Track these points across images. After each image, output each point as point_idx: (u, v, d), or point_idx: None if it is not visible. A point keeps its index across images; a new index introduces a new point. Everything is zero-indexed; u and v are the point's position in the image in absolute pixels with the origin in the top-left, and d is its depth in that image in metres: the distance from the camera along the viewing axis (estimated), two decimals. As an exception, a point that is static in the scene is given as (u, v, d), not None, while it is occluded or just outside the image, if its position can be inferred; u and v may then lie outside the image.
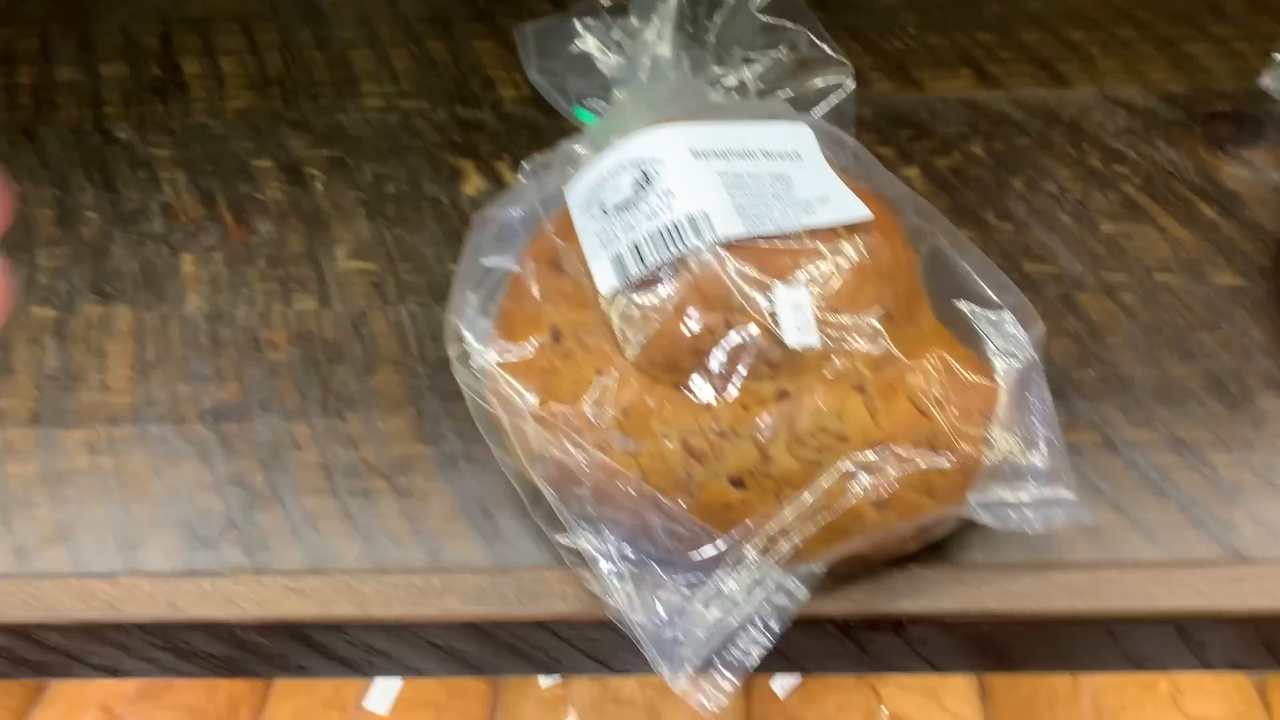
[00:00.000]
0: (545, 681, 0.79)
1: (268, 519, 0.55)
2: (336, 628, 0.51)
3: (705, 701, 0.45)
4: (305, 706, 0.80)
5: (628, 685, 0.79)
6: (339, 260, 0.66)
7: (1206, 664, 0.51)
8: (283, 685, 0.84)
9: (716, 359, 0.46)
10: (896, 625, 0.49)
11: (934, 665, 0.52)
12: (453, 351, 0.52)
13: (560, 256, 0.51)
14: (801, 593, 0.46)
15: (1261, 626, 0.48)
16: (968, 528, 0.52)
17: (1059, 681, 0.77)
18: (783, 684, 0.81)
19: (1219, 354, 0.58)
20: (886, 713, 0.78)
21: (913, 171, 0.68)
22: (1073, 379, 0.57)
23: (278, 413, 0.59)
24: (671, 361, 0.46)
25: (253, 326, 0.64)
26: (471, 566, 0.52)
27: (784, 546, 0.45)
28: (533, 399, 0.48)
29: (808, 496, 0.45)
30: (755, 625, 0.46)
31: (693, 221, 0.47)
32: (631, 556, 0.47)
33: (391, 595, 0.51)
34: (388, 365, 0.61)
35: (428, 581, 0.51)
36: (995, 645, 0.50)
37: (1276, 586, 0.48)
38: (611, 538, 0.47)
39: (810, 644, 0.51)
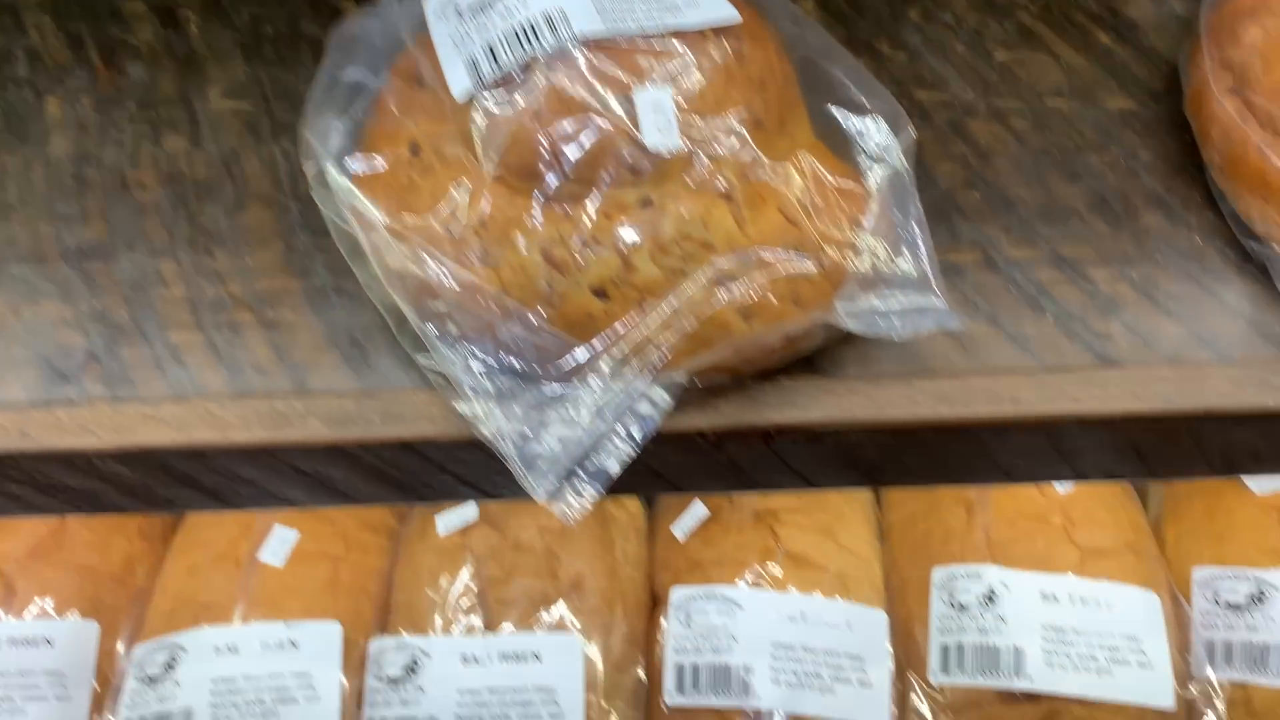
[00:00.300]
0: (443, 530, 0.79)
1: (130, 353, 0.53)
2: (198, 454, 0.50)
3: (569, 511, 0.44)
4: (200, 561, 0.80)
5: (527, 532, 0.79)
6: (212, 101, 0.64)
7: (1080, 474, 0.51)
8: (179, 542, 0.83)
9: (575, 165, 0.44)
10: (766, 436, 0.48)
11: (807, 479, 0.52)
12: (309, 170, 0.50)
13: (420, 70, 0.49)
14: (665, 402, 0.45)
15: (1130, 430, 0.48)
16: (841, 344, 0.51)
17: (953, 518, 0.78)
18: (683, 528, 0.81)
19: (1106, 174, 0.57)
20: (783, 552, 0.78)
21: (808, 4, 0.66)
22: (958, 202, 0.56)
23: (144, 250, 0.57)
24: (529, 169, 0.45)
25: (120, 167, 0.61)
26: (337, 391, 0.50)
27: (648, 356, 0.44)
28: (387, 214, 0.46)
29: (671, 305, 0.44)
30: (619, 435, 0.45)
31: (549, 19, 0.45)
32: (495, 372, 0.46)
33: (253, 420, 0.49)
34: (259, 202, 0.59)
35: (290, 405, 0.50)
36: (866, 458, 0.50)
37: (1145, 389, 0.48)
38: (474, 354, 0.46)
39: (683, 460, 0.50)
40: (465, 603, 0.77)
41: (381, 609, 0.80)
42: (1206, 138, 0.54)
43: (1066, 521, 0.77)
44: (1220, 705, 0.74)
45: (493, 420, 0.45)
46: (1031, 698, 0.72)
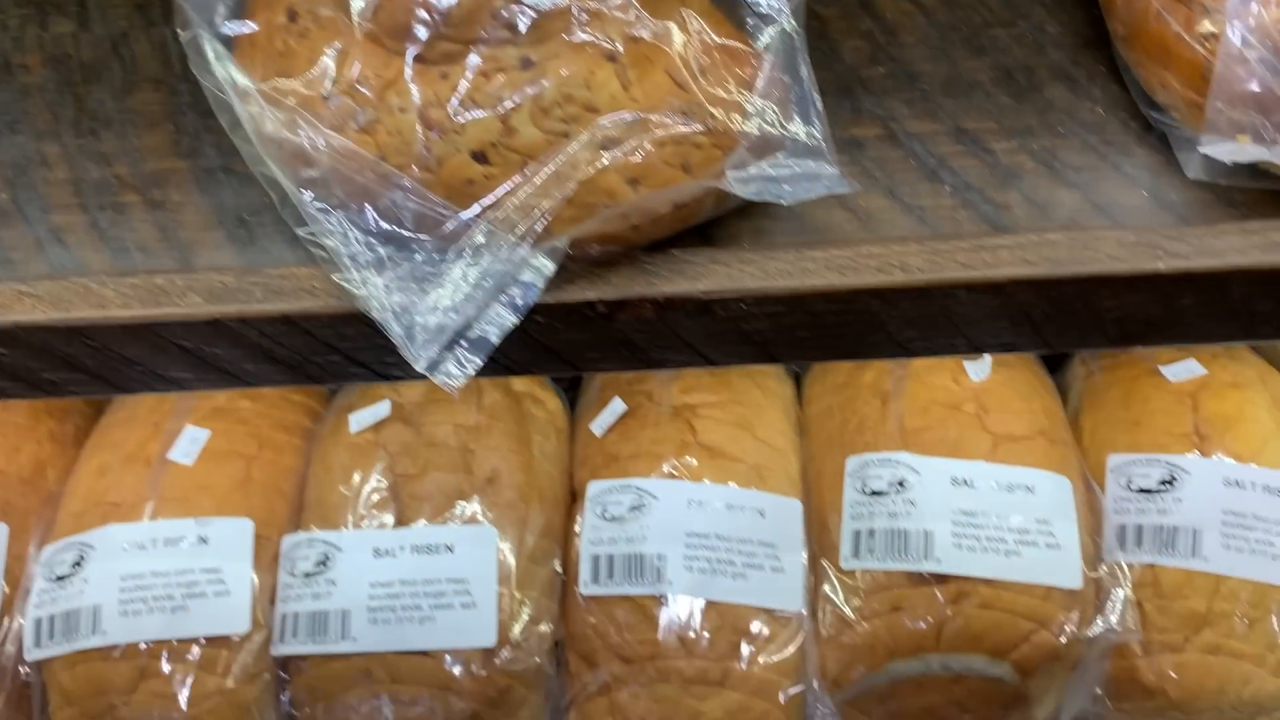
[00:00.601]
0: (355, 427, 0.78)
1: (10, 235, 0.52)
2: (77, 333, 0.49)
3: (450, 382, 0.44)
4: (110, 461, 0.79)
5: (441, 429, 0.78)
6: (100, -18, 0.62)
7: (976, 346, 0.51)
8: (90, 444, 0.82)
9: (449, 21, 0.43)
10: (656, 306, 0.47)
11: (704, 356, 0.51)
12: (185, 38, 0.49)
13: (297, -68, 0.47)
14: (549, 270, 0.44)
15: (1021, 297, 0.48)
16: (736, 218, 0.50)
17: (868, 409, 0.78)
18: (601, 424, 0.81)
19: (1012, 48, 0.56)
20: (699, 445, 0.78)
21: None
22: (861, 77, 0.56)
23: (27, 133, 0.56)
24: (403, 28, 0.43)
25: (3, 51, 0.59)
26: (221, 269, 0.49)
27: (530, 223, 0.43)
28: (262, 80, 0.45)
29: (553, 169, 0.43)
30: (501, 304, 0.44)
31: (420, -128, 0.43)
32: (374, 241, 0.45)
33: (131, 296, 0.48)
34: (148, 84, 0.57)
35: (170, 281, 0.49)
36: (760, 331, 0.49)
37: (1035, 255, 0.47)
38: (353, 224, 0.45)
39: (577, 336, 0.49)
40: (378, 498, 0.76)
41: (296, 507, 0.79)
42: (1111, 8, 0.53)
43: (980, 409, 0.77)
44: (1127, 587, 0.75)
45: (372, 291, 0.44)
46: (940, 579, 0.73)
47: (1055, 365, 0.89)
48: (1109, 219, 0.50)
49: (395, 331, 0.44)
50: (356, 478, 0.77)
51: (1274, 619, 0.74)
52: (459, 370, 0.44)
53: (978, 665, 0.73)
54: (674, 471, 0.77)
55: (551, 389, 0.86)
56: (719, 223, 0.52)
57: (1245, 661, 0.73)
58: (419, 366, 0.44)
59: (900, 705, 0.75)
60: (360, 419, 0.79)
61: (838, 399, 0.81)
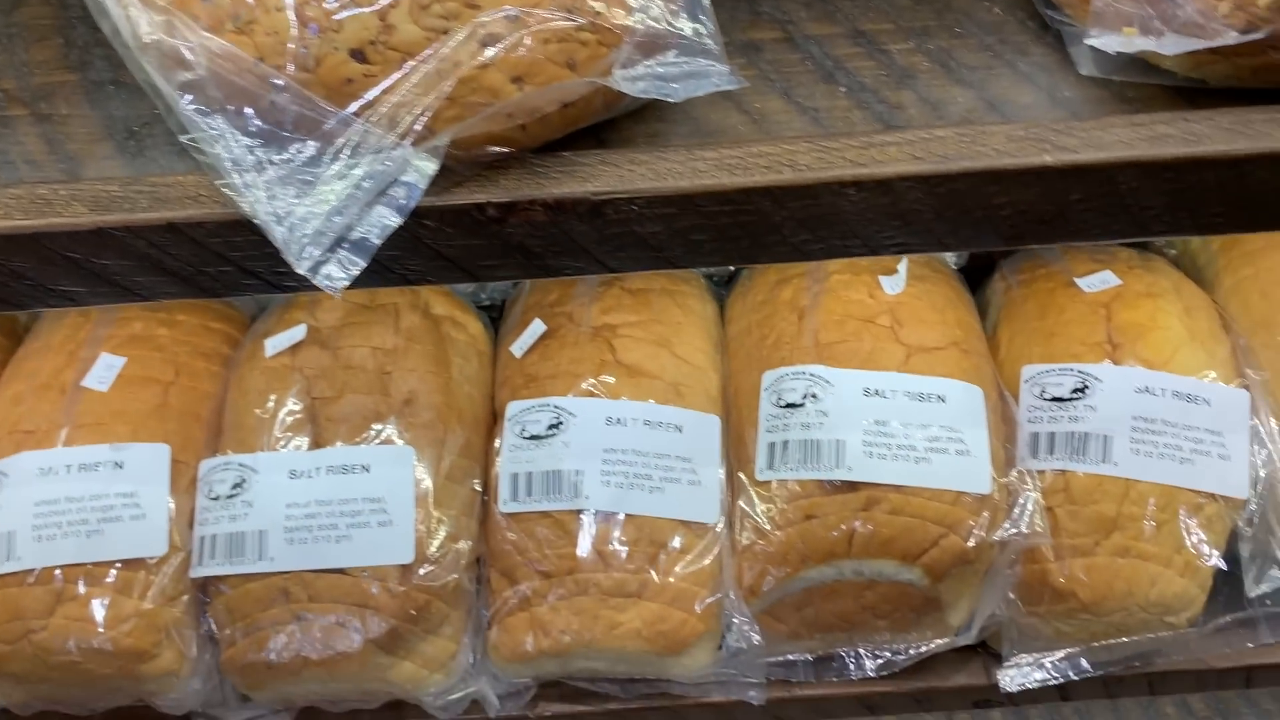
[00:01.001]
0: (271, 350, 0.78)
1: (-109, 150, 0.51)
2: (-42, 247, 0.48)
3: (332, 283, 0.43)
4: (24, 391, 0.77)
5: (358, 352, 0.78)
6: (-10, -106, 0.60)
7: (872, 247, 0.51)
8: (4, 376, 0.81)
9: (325, -82, 0.42)
10: (548, 209, 0.47)
11: (600, 261, 0.51)
12: (59, -59, 0.48)
13: None
14: (431, 169, 0.44)
15: (910, 194, 0.48)
16: (631, 121, 0.50)
17: (785, 324, 0.78)
18: (520, 345, 0.81)
19: (913, -49, 0.56)
20: (618, 363, 0.78)
21: None
22: (759, -19, 0.55)
23: (-88, 49, 0.54)
24: (278, -76, 0.43)
25: (-114, -33, 0.58)
26: (108, 180, 0.49)
27: (410, 121, 0.43)
28: (137, -21, 0.44)
29: (433, 66, 0.43)
30: (384, 206, 0.44)
31: None
32: (255, 145, 0.44)
33: (13, 206, 0.48)
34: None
35: (54, 192, 0.48)
36: (653, 234, 0.49)
37: (924, 150, 0.47)
38: (233, 128, 0.44)
39: (469, 242, 0.49)
40: (293, 421, 0.76)
41: (214, 432, 0.79)
42: (1010, -94, 0.53)
43: (894, 322, 0.77)
44: (1035, 493, 0.75)
45: (254, 195, 0.44)
46: (852, 487, 0.73)
47: (978, 282, 0.90)
48: (1002, 117, 0.50)
49: (276, 236, 0.43)
50: (272, 401, 0.76)
51: (1181, 521, 0.75)
52: (342, 273, 0.44)
53: (889, 570, 0.74)
54: (592, 390, 0.77)
55: (473, 313, 0.86)
56: (613, 127, 0.51)
57: (1153, 563, 0.75)
58: (300, 269, 0.43)
59: (815, 612, 0.76)
60: (276, 343, 0.78)
61: (756, 317, 0.81)
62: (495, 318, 0.90)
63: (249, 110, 0.44)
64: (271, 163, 0.44)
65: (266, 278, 0.51)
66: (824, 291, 0.79)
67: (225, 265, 0.50)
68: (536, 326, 0.81)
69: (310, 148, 0.44)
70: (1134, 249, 0.89)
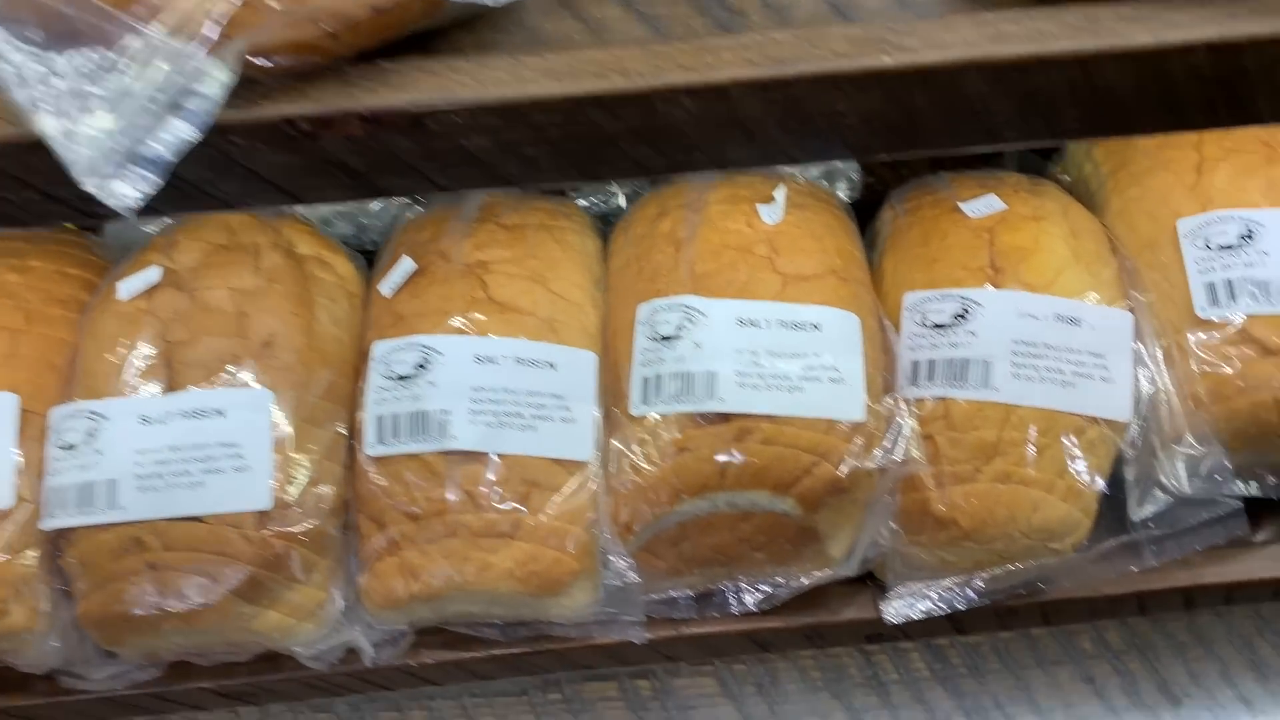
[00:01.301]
0: (124, 294, 0.74)
1: None
2: None
3: (123, 202, 0.41)
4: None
5: (215, 293, 0.74)
6: None
7: (716, 161, 0.49)
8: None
9: None
10: (364, 122, 0.44)
11: (430, 180, 0.48)
12: None
13: None
14: (228, 78, 0.41)
15: (749, 104, 0.45)
16: (461, 31, 0.48)
17: (662, 256, 0.76)
18: (389, 284, 0.78)
19: None
20: (490, 300, 0.76)
21: None
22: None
23: None
24: None
25: None
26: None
27: (203, 26, 0.40)
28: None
29: (226, -33, 0.40)
30: (177, 118, 0.41)
31: None
32: (38, 56, 0.41)
33: None
34: None
35: None
36: (481, 148, 0.47)
37: (759, 54, 0.45)
38: (16, 39, 0.41)
39: (286, 160, 0.46)
40: (147, 366, 0.72)
41: (68, 381, 0.75)
42: None
43: (771, 251, 0.75)
44: (912, 420, 0.74)
45: (39, 110, 0.41)
46: (724, 418, 0.71)
47: (869, 213, 0.88)
48: (848, 21, 0.48)
49: (61, 152, 0.41)
50: (125, 346, 0.73)
51: (1064, 445, 0.74)
52: (133, 190, 0.41)
53: (762, 501, 0.72)
54: (462, 327, 0.75)
55: (343, 252, 0.83)
56: (443, 37, 0.49)
57: (1035, 488, 0.73)
58: (86, 187, 0.41)
59: (692, 547, 0.75)
60: (130, 286, 0.75)
61: (635, 250, 0.79)
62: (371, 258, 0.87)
63: (32, 19, 0.41)
64: (56, 74, 0.41)
65: (74, 204, 0.48)
66: (702, 222, 0.77)
67: (27, 190, 0.47)
68: (405, 264, 0.78)
69: (97, 58, 0.41)
70: (1025, 175, 0.87)
